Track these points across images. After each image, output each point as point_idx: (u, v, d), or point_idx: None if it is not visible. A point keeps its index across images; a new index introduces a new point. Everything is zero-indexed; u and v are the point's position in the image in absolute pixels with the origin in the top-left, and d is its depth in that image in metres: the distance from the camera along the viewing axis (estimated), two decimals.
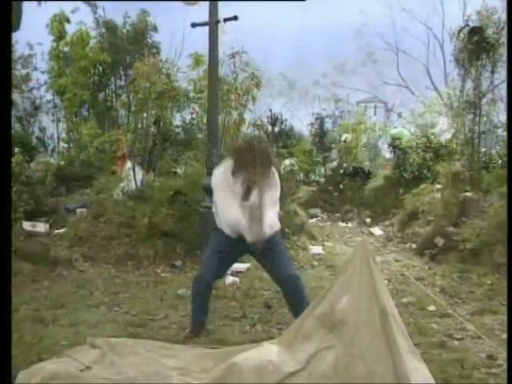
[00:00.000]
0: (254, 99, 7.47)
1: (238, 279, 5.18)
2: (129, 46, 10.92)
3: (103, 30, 11.25)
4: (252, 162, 3.22)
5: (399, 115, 15.96)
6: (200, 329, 3.52)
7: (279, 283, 3.47)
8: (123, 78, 11.45)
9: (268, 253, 3.35)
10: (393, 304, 2.64)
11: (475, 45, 6.68)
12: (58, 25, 11.18)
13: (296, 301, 3.33)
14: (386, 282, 4.98)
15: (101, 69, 11.29)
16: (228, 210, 3.29)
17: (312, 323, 2.78)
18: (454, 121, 7.74)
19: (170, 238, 6.09)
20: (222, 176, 3.37)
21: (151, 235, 6.05)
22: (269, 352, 2.72)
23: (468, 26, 6.89)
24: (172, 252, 5.98)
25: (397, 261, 6.23)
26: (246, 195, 3.29)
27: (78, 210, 7.33)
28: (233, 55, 7.18)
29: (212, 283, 3.54)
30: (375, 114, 16.53)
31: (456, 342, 3.56)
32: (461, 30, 6.95)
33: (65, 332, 3.68)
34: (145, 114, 7.61)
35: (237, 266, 5.15)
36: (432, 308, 4.29)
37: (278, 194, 3.41)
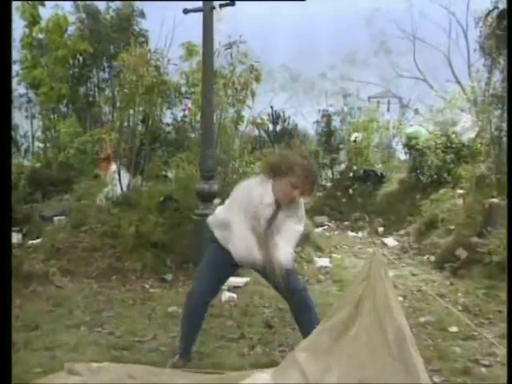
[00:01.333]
0: (253, 94, 7.47)
1: (235, 295, 5.17)
2: (113, 34, 10.97)
3: (83, 16, 11.28)
4: (302, 181, 3.14)
5: (416, 112, 15.97)
6: (189, 357, 3.47)
7: (286, 298, 3.43)
8: (107, 70, 11.49)
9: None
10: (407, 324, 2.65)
11: (504, 31, 6.48)
12: (31, 8, 11.08)
13: (305, 316, 3.33)
14: (400, 298, 5.03)
15: (81, 59, 11.31)
16: (245, 239, 3.14)
17: (321, 344, 2.79)
18: (478, 118, 7.76)
19: (160, 249, 6.08)
20: (255, 192, 3.19)
21: (138, 246, 6.05)
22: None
23: (497, 8, 6.78)
24: (162, 265, 5.97)
25: (413, 275, 6.23)
26: (270, 222, 3.21)
27: (56, 219, 7.33)
28: (230, 45, 7.19)
29: (208, 303, 3.49)
30: (389, 110, 16.51)
31: (483, 369, 3.52)
32: (488, 13, 6.87)
33: (39, 357, 3.65)
34: (131, 111, 7.62)
35: (234, 281, 5.16)
36: (454, 329, 4.27)
37: (302, 228, 3.39)
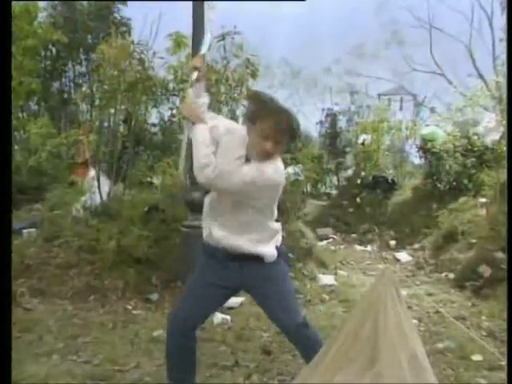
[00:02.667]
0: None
1: (228, 317, 5.16)
2: (90, 22, 10.97)
3: (56, 1, 11.29)
4: (275, 130, 2.82)
5: (432, 110, 16.00)
6: None
7: (283, 333, 3.22)
8: (84, 63, 11.51)
9: (266, 290, 3.08)
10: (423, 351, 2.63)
11: None
12: None
13: (307, 354, 3.03)
14: (415, 321, 5.02)
15: (54, 51, 11.29)
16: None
17: (324, 373, 2.77)
18: (503, 117, 7.77)
19: (144, 265, 6.06)
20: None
21: (120, 262, 6.02)
22: None
23: None
24: (146, 283, 5.94)
25: (430, 295, 6.23)
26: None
27: (25, 231, 7.29)
28: (223, 37, 7.22)
29: (194, 329, 3.16)
30: (401, 108, 16.54)
31: None
32: None
33: None
34: (112, 110, 7.62)
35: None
36: (478, 357, 4.24)
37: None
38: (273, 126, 2.78)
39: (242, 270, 2.99)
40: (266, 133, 2.79)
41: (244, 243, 2.94)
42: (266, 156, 2.83)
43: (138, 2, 10.19)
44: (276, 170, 2.88)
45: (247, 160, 2.85)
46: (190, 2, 6.08)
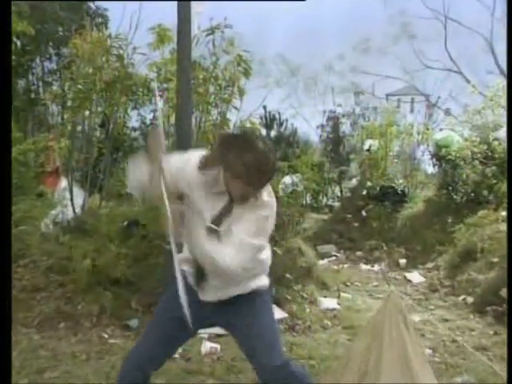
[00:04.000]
0: (241, 92, 7.52)
1: (218, 346, 5.14)
2: (62, 12, 10.95)
3: None
4: (250, 168, 2.71)
5: (447, 112, 16.10)
6: None
7: (258, 376, 3.05)
8: (54, 59, 11.47)
9: (241, 325, 2.98)
10: None
11: None
12: None
13: None
14: (427, 351, 5.01)
15: (19, 44, 11.23)
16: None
17: None
18: None
19: (123, 287, 6.05)
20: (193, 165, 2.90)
21: (95, 284, 6.01)
22: None
23: None
24: (125, 308, 5.92)
25: (445, 321, 6.24)
26: (219, 217, 2.85)
27: None
28: (212, 30, 7.24)
29: (148, 372, 3.03)
30: (412, 111, 16.67)
31: None
32: None
33: None
34: (87, 112, 7.62)
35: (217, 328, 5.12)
36: None
37: (271, 225, 2.91)
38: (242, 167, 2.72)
39: (220, 306, 2.96)
40: (236, 174, 2.72)
41: (240, 285, 2.93)
42: (245, 198, 2.80)
43: None
44: (272, 209, 2.90)
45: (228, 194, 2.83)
46: None
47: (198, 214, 2.85)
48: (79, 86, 7.51)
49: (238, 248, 2.73)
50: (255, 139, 2.81)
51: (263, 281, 3.01)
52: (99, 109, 7.67)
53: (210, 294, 2.94)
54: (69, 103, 8.35)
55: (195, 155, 2.89)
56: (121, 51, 7.45)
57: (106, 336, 5.55)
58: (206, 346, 5.07)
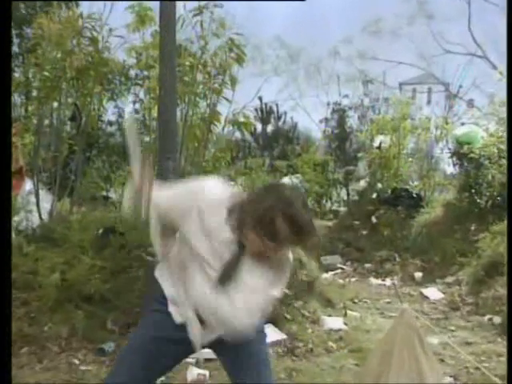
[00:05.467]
0: (233, 81, 7.53)
1: (207, 372, 5.13)
2: None
3: None
4: (280, 236, 2.68)
5: (470, 104, 16.13)
6: None
7: None
8: (15, 41, 11.44)
9: (233, 358, 3.07)
10: None
11: None
12: None
13: None
14: (449, 380, 5.01)
15: None
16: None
17: None
18: None
19: (97, 305, 6.02)
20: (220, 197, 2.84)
21: (64, 301, 5.98)
22: None
23: None
24: (99, 329, 5.91)
25: (468, 344, 6.22)
26: (229, 267, 2.80)
27: None
28: (199, 10, 7.25)
29: None
30: (429, 102, 16.69)
31: None
32: None
33: None
34: (55, 104, 7.60)
35: (205, 351, 5.10)
36: None
37: (278, 294, 3.04)
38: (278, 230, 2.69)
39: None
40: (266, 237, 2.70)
41: None
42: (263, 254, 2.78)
43: None
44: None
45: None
46: None
47: (198, 256, 2.82)
48: (46, 73, 7.47)
49: (253, 306, 2.76)
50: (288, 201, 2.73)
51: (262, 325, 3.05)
52: (69, 100, 7.66)
53: (203, 336, 2.92)
54: (34, 93, 8.34)
55: (207, 187, 2.85)
56: (94, 33, 7.43)
57: (76, 362, 5.50)
58: (193, 373, 5.05)
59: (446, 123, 12.91)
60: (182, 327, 2.88)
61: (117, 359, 3.21)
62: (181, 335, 2.88)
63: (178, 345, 2.94)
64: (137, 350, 2.98)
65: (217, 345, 2.99)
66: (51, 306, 5.97)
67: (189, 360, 5.14)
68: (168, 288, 2.94)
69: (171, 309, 2.91)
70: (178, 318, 2.89)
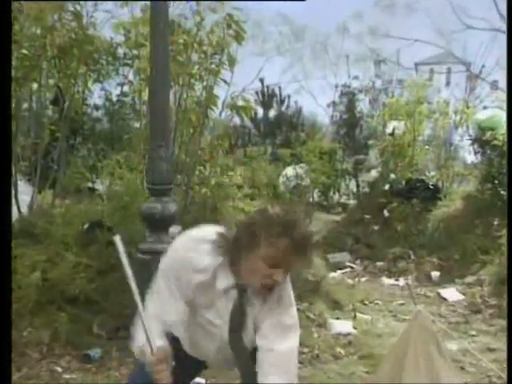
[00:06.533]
0: (232, 61, 7.51)
1: (203, 381, 5.15)
2: None
3: None
4: (284, 256, 2.72)
5: (494, 86, 16.09)
6: None
7: None
8: None
9: None
10: None
11: None
12: None
13: None
14: None
15: None
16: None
17: None
18: None
19: (82, 307, 6.04)
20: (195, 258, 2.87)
21: (46, 303, 6.00)
22: None
23: None
24: (84, 333, 5.92)
25: (490, 350, 6.21)
26: (239, 321, 2.88)
27: None
28: None
29: None
30: (448, 84, 16.64)
31: None
32: None
33: None
34: (35, 85, 7.60)
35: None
36: None
37: (297, 340, 3.09)
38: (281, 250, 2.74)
39: None
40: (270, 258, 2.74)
41: None
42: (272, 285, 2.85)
43: None
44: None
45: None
46: None
47: (203, 322, 2.92)
48: (24, 51, 7.44)
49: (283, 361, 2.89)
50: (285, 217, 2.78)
51: None
52: (51, 81, 7.65)
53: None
54: (12, 74, 8.33)
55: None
56: (78, 7, 7.42)
57: (59, 370, 5.51)
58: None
59: (467, 107, 12.88)
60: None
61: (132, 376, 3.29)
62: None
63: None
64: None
65: None
66: (31, 308, 5.98)
67: None
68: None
69: None
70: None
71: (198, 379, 5.14)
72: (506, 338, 3.49)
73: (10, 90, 6.32)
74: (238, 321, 2.85)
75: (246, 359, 2.88)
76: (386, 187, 11.57)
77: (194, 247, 2.83)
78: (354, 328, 6.78)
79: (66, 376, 5.41)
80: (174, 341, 2.95)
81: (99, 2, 7.67)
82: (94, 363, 5.61)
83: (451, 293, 8.55)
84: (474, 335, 6.81)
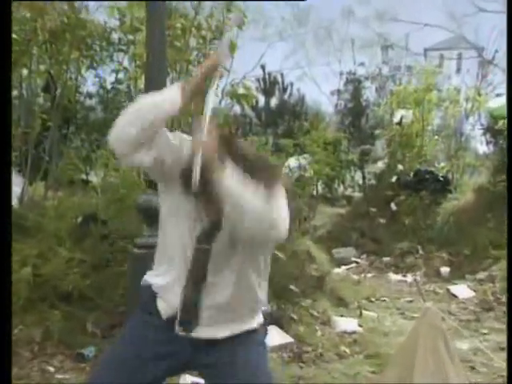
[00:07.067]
0: (231, 47, 7.50)
1: (201, 381, 5.15)
2: None
3: None
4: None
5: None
6: None
7: None
8: None
9: (228, 376, 2.94)
10: None
11: None
12: None
13: None
14: None
15: None
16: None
17: None
18: None
19: (75, 304, 6.04)
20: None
21: (38, 300, 6.00)
22: None
23: None
24: (78, 331, 5.92)
25: (503, 349, 6.19)
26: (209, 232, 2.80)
27: None
28: None
29: None
30: (459, 70, 16.59)
31: None
32: None
33: None
34: (25, 71, 7.60)
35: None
36: None
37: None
38: None
39: (202, 347, 2.91)
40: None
41: (236, 324, 2.91)
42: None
43: None
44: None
45: None
46: None
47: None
48: (14, 37, 7.45)
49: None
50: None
51: (261, 318, 3.03)
52: (42, 67, 7.65)
53: (202, 328, 2.88)
54: None
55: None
56: None
57: (51, 369, 5.51)
58: (187, 381, 5.07)
59: (479, 95, 12.87)
60: (170, 344, 2.88)
61: (92, 375, 3.19)
62: (167, 349, 2.88)
63: (164, 360, 2.92)
64: (118, 366, 2.94)
65: (207, 368, 2.94)
66: (22, 305, 5.96)
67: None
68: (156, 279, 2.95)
69: (160, 304, 2.89)
70: (167, 311, 2.86)
71: (195, 378, 5.17)
72: (506, 338, 3.46)
73: (10, 90, 6.33)
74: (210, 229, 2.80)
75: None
76: (394, 179, 11.58)
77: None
78: (360, 326, 6.80)
79: (59, 376, 5.41)
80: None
81: None
82: (88, 363, 5.59)
83: (462, 289, 8.56)
84: (485, 333, 6.83)
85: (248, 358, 2.93)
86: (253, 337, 2.96)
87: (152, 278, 2.95)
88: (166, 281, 2.87)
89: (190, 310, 2.82)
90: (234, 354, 2.89)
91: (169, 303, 2.85)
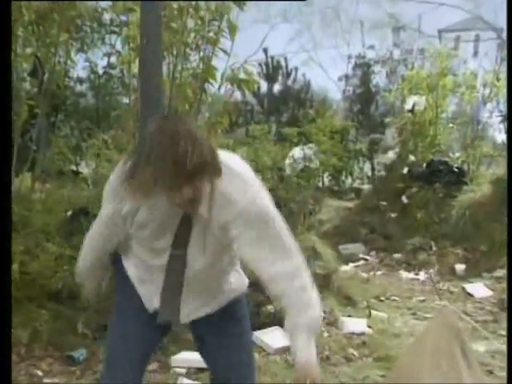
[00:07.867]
0: (232, 29, 7.50)
1: None
2: None
3: None
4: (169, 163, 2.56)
5: None
6: None
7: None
8: None
9: (210, 335, 3.18)
10: None
11: None
12: None
13: None
14: None
15: None
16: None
17: None
18: None
19: (65, 303, 6.07)
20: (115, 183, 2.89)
21: (25, 299, 6.01)
22: None
23: None
24: (68, 332, 5.95)
25: None
26: (181, 236, 2.88)
27: None
28: None
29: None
30: (476, 53, 16.57)
31: None
32: None
33: None
34: (11, 55, 7.60)
35: (195, 358, 5.13)
36: None
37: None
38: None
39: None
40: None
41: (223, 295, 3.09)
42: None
43: None
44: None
45: None
46: None
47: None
48: None
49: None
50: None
51: (244, 280, 3.18)
52: (28, 50, 7.65)
53: (183, 317, 3.07)
54: None
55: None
56: None
57: (39, 373, 5.52)
58: None
59: (497, 80, 12.80)
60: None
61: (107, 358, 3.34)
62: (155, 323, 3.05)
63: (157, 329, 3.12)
64: (124, 342, 3.18)
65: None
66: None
67: (179, 370, 5.21)
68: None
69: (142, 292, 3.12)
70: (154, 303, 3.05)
71: (191, 381, 5.19)
72: (506, 338, 3.48)
73: (11, 90, 6.34)
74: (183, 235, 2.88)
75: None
76: (405, 170, 11.58)
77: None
78: (369, 327, 6.82)
79: (48, 380, 5.42)
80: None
81: None
82: (78, 365, 5.61)
83: (478, 288, 8.57)
84: (504, 335, 6.83)
85: (235, 315, 3.15)
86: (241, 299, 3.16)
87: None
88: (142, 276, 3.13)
89: (169, 305, 3.02)
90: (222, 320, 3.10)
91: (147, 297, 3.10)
